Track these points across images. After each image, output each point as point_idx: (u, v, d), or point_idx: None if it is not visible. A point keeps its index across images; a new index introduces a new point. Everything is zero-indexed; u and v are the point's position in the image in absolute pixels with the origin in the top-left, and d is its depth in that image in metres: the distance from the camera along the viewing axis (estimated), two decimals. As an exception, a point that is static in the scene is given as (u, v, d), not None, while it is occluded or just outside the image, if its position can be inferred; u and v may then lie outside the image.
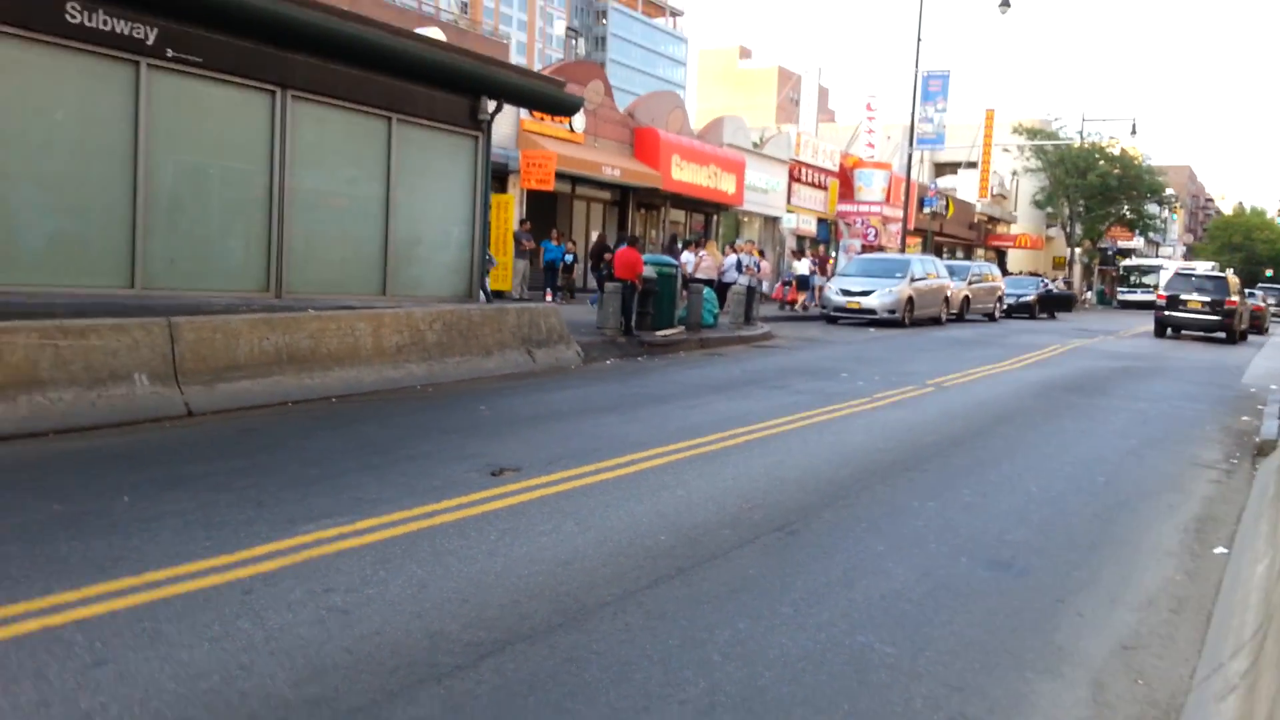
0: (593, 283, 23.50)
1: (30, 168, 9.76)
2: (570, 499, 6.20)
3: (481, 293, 14.62)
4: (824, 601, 4.63)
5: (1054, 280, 45.84)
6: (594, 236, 28.64)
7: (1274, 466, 7.16)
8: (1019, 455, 8.63)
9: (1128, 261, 69.05)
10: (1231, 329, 26.88)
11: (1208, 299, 26.73)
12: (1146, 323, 33.62)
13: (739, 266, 23.24)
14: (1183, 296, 27.10)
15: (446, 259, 14.29)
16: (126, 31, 10.11)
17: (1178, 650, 4.33)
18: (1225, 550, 5.83)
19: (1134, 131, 50.11)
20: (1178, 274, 30.34)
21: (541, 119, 24.56)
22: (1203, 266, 55.03)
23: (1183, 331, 27.60)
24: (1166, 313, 27.36)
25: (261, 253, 11.64)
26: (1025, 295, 35.13)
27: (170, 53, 10.47)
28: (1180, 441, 9.87)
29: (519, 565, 4.89)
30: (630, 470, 7.05)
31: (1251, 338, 29.13)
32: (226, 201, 11.49)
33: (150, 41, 10.30)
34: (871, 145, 44.38)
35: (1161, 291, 28.48)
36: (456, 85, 13.64)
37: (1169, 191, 64.46)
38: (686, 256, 23.05)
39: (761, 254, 27.09)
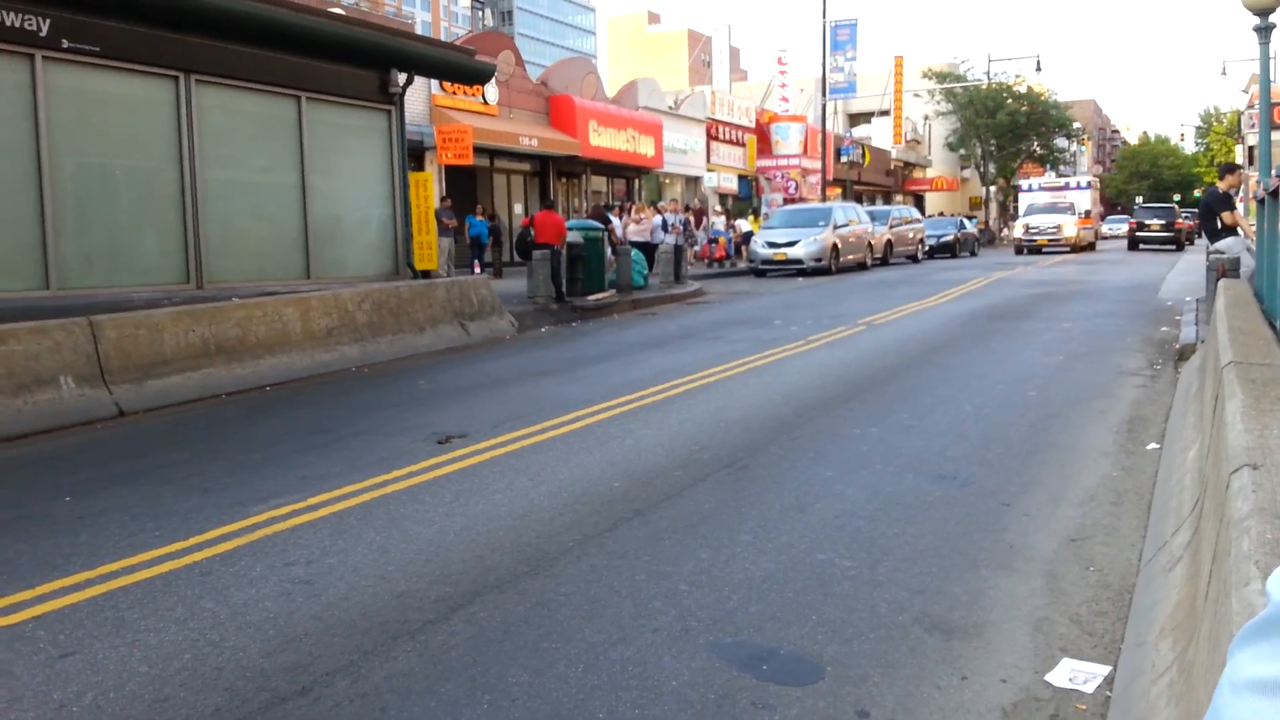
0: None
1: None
2: (520, 457, 6.22)
3: (409, 270, 14.44)
4: (780, 526, 4.73)
5: (973, 219, 46.66)
6: (517, 209, 28.35)
7: (1196, 366, 7.46)
8: (952, 379, 8.85)
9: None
10: (1180, 241, 37.47)
11: (1162, 221, 38.11)
12: (1061, 254, 35.26)
13: (664, 226, 23.26)
14: (1146, 222, 38.38)
15: (369, 238, 14.07)
16: (18, 24, 9.72)
17: (1122, 538, 4.52)
18: (1157, 446, 6.07)
19: (1039, 68, 50.91)
20: (1140, 206, 43.39)
21: (454, 92, 24.22)
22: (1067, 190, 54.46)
23: (1141, 247, 37.16)
24: (1137, 234, 38.14)
25: (179, 244, 11.32)
26: (945, 235, 35.79)
27: (66, 43, 10.10)
28: (1104, 353, 10.20)
29: (477, 522, 4.91)
30: (577, 426, 7.08)
31: (1187, 246, 37.64)
32: (137, 194, 11.14)
33: (44, 33, 9.92)
34: (786, 100, 44.54)
35: (1132, 220, 40.33)
36: (364, 59, 13.37)
37: (1076, 125, 65.79)
38: (616, 221, 23.00)
39: (701, 211, 28.30)
